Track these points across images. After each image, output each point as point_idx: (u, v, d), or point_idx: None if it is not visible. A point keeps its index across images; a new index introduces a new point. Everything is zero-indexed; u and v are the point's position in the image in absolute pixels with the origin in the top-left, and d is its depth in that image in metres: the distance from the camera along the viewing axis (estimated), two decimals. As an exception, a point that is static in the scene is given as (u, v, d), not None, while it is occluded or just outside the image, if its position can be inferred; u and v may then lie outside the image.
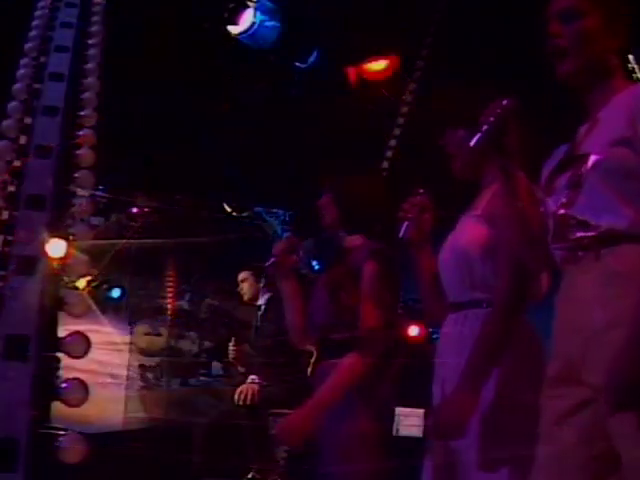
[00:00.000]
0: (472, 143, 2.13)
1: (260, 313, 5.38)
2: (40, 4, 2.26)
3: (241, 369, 5.54)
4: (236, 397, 5.15)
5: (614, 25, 2.12)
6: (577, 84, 2.16)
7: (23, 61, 2.06)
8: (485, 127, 2.11)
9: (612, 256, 1.94)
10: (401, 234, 2.59)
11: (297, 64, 5.45)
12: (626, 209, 1.95)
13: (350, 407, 2.95)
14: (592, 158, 2.01)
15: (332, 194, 3.24)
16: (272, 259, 3.13)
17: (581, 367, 1.95)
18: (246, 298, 5.76)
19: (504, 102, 2.14)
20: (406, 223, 2.59)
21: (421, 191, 2.65)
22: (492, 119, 2.12)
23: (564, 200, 2.06)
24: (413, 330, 7.07)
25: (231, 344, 5.47)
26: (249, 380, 5.18)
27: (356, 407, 2.97)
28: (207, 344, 9.10)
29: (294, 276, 3.22)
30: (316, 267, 5.33)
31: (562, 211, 2.06)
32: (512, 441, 2.32)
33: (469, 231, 2.60)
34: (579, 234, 2.00)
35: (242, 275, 5.75)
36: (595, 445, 1.93)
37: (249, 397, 5.09)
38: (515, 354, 2.42)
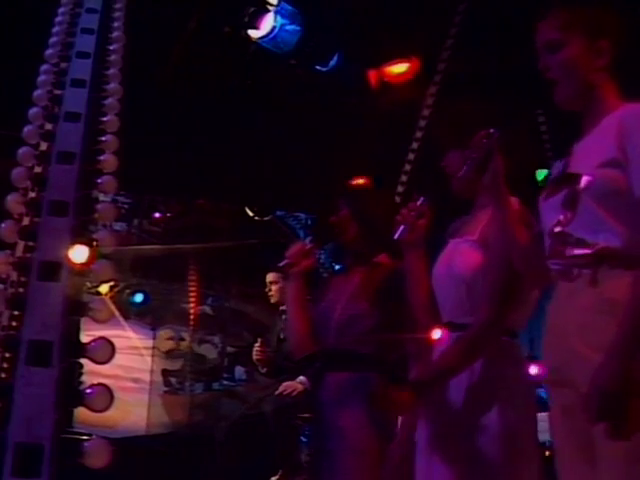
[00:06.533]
0: (460, 174, 2.33)
1: (285, 317, 5.36)
2: (60, 10, 2.26)
3: (262, 370, 5.54)
4: (280, 389, 5.16)
5: (597, 44, 2.19)
6: (571, 109, 2.26)
7: (43, 67, 2.06)
8: (472, 158, 2.27)
9: (609, 282, 2.00)
10: (396, 236, 2.73)
11: (318, 67, 5.45)
12: (620, 227, 2.02)
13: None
14: (584, 179, 2.08)
15: (350, 209, 3.18)
16: (285, 260, 3.14)
17: (570, 378, 2.02)
18: (273, 301, 5.72)
19: (490, 133, 2.27)
20: (402, 226, 2.72)
21: (421, 198, 2.78)
22: (478, 151, 2.26)
23: (561, 218, 2.11)
24: (436, 333, 7.07)
25: (257, 345, 5.46)
26: (298, 380, 5.16)
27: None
28: (230, 348, 9.12)
29: (303, 282, 3.18)
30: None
31: (558, 229, 2.12)
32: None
33: (467, 256, 2.65)
34: (576, 252, 2.08)
35: (271, 277, 5.69)
36: (585, 448, 1.98)
37: (293, 393, 5.10)
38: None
